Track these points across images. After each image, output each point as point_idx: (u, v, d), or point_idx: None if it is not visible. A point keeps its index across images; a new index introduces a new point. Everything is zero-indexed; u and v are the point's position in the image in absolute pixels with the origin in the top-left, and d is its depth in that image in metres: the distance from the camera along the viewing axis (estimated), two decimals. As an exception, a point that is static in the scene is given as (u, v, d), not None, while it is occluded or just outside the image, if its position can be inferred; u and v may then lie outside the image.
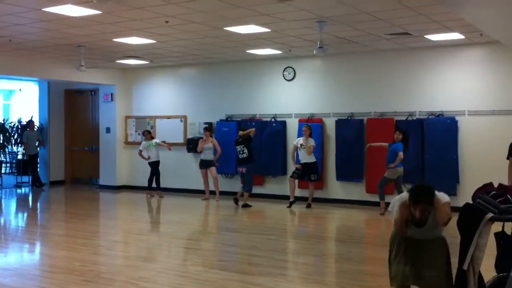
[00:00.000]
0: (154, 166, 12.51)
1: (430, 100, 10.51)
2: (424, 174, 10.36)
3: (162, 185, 12.63)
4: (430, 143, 10.34)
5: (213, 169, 11.85)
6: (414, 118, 10.59)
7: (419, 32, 9.04)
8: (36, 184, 14.58)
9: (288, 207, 10.75)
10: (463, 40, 9.64)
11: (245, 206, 10.85)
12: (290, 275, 6.34)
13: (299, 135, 11.30)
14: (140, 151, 12.53)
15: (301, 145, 10.73)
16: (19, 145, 15.42)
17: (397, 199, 4.07)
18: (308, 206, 10.79)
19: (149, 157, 12.48)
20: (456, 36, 9.28)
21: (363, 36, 9.37)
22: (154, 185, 12.55)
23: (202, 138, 12.07)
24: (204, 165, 11.90)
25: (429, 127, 10.36)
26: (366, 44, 10.12)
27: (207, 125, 12.47)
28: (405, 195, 3.99)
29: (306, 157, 10.68)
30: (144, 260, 6.84)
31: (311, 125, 10.99)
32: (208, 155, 11.83)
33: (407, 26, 8.54)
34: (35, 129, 14.77)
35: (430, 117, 10.45)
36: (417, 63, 10.63)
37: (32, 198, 13.52)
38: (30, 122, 14.77)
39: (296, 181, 10.99)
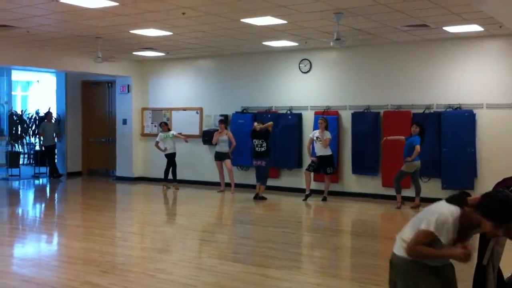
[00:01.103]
0: (171, 157, 12.56)
1: (447, 93, 10.40)
2: (441, 167, 10.27)
3: (178, 177, 12.67)
4: (448, 136, 10.23)
5: (228, 161, 11.85)
6: (432, 111, 10.49)
7: (437, 24, 8.93)
8: (54, 175, 14.72)
9: (303, 200, 10.73)
10: (482, 32, 9.51)
11: (261, 198, 10.85)
12: (305, 268, 6.34)
13: (315, 127, 11.26)
14: (157, 143, 12.58)
15: (317, 137, 10.67)
16: (37, 136, 15.55)
17: (448, 215, 3.02)
18: (324, 199, 10.76)
19: (165, 149, 12.53)
20: (474, 28, 9.16)
21: (380, 28, 9.28)
22: (170, 176, 12.60)
23: (217, 130, 12.08)
24: (219, 157, 11.91)
25: (447, 120, 10.25)
26: (383, 36, 10.03)
27: (222, 118, 12.47)
28: (454, 210, 3.04)
29: (322, 150, 10.63)
30: (160, 252, 6.89)
31: (327, 118, 10.94)
32: (223, 148, 11.83)
33: (425, 18, 8.44)
34: (52, 121, 14.89)
35: (447, 110, 10.34)
36: (435, 56, 10.51)
37: (50, 189, 13.66)
38: (48, 114, 14.89)
39: (312, 174, 10.96)
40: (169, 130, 12.72)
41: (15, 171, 14.66)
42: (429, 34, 9.80)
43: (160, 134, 12.64)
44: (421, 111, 10.56)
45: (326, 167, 10.68)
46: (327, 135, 10.60)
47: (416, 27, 9.15)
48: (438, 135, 10.31)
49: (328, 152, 10.65)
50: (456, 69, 10.35)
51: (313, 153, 10.85)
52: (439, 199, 10.09)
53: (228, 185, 11.96)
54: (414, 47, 10.65)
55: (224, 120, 12.25)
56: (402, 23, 8.84)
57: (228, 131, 12.02)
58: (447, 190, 10.27)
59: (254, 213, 10.02)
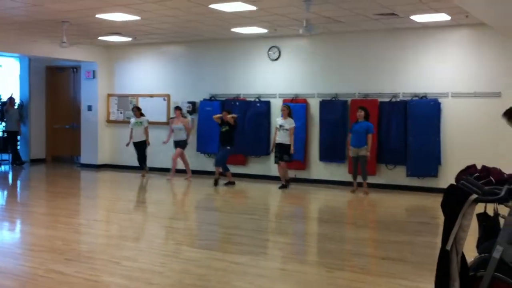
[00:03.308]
0: (137, 146, 12.36)
1: (414, 82, 10.54)
2: (407, 155, 10.43)
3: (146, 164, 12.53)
4: (413, 124, 10.38)
5: (178, 149, 11.68)
6: (398, 100, 10.62)
7: (406, 13, 9.01)
8: (16, 162, 14.40)
9: (280, 187, 10.71)
10: (449, 21, 9.64)
11: (230, 183, 10.93)
12: (272, 254, 6.36)
13: (283, 115, 11.27)
14: (131, 130, 12.32)
15: (280, 125, 10.60)
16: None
17: None
18: (282, 186, 10.72)
19: (131, 137, 12.29)
20: (442, 17, 9.27)
21: (349, 16, 9.32)
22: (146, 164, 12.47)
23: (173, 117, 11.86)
24: (176, 145, 11.76)
25: (413, 109, 10.40)
26: (352, 24, 10.07)
27: (178, 104, 12.29)
28: None
29: (282, 137, 10.54)
30: (126, 239, 6.81)
31: (290, 105, 10.92)
32: (179, 136, 11.70)
33: (394, 6, 8.51)
34: (15, 107, 14.54)
35: (413, 98, 10.48)
36: (402, 44, 10.63)
37: (12, 176, 13.35)
38: (11, 99, 14.54)
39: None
40: (141, 115, 12.43)
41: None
42: (397, 23, 9.89)
43: (132, 120, 12.38)
44: (387, 99, 10.68)
45: (283, 154, 10.56)
46: (292, 123, 10.53)
47: (384, 16, 9.22)
48: (404, 124, 10.45)
49: (288, 141, 10.52)
50: (423, 58, 10.48)
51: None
52: (404, 187, 10.33)
53: (199, 173, 11.90)
54: (382, 35, 10.74)
55: (180, 107, 12.05)
56: (371, 11, 8.89)
57: (184, 119, 11.86)
58: (411, 177, 10.46)
59: (221, 200, 10.01)
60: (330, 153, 11.25)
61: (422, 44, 10.46)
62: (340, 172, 11.21)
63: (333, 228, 7.58)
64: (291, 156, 10.67)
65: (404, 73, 10.63)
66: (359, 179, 10.21)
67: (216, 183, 10.99)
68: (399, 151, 10.45)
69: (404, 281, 5.07)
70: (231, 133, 10.97)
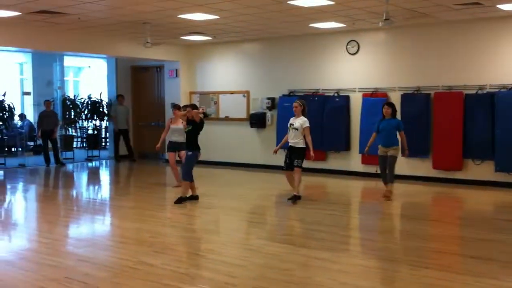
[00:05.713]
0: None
1: (501, 73, 10.06)
2: (495, 150, 9.99)
3: (227, 159, 12.52)
4: (502, 117, 9.92)
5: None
6: (485, 92, 10.19)
7: (491, 2, 8.64)
8: (132, 158, 15.03)
9: (289, 199, 8.89)
10: (539, 9, 9.15)
11: (181, 200, 8.82)
12: (354, 250, 6.32)
13: (363, 110, 11.13)
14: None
15: (290, 124, 8.80)
16: (89, 120, 15.91)
17: None
18: (293, 198, 8.81)
19: None
20: (531, 4, 8.82)
21: (430, 7, 9.05)
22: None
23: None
24: (174, 148, 10.26)
25: (501, 101, 9.94)
26: (434, 15, 9.77)
27: (174, 102, 11.08)
28: None
29: (292, 139, 8.74)
30: (210, 233, 7.00)
31: (370, 99, 10.67)
32: (178, 137, 10.09)
33: (478, -5, 8.19)
34: (123, 104, 15.12)
35: (501, 90, 10.02)
36: (488, 34, 10.18)
37: (102, 172, 14.03)
38: (119, 97, 15.19)
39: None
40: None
41: (69, 154, 15.12)
42: (482, 12, 9.48)
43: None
44: (473, 91, 10.28)
45: (294, 158, 8.72)
46: (305, 122, 8.62)
47: (468, 6, 8.88)
48: (492, 116, 10.01)
49: (300, 143, 8.68)
50: (510, 48, 9.99)
51: (285, 145, 9.17)
52: (492, 182, 9.94)
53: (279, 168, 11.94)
54: (466, 26, 10.33)
55: (178, 106, 10.41)
56: (454, 1, 8.59)
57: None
58: (501, 173, 10.01)
59: (302, 195, 10.01)
60: (413, 148, 10.87)
61: (509, 33, 9.97)
62: (424, 167, 10.90)
63: (417, 225, 7.41)
64: (302, 161, 8.71)
65: (491, 64, 10.18)
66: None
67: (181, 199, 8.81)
68: (487, 145, 10.02)
69: (495, 280, 4.88)
70: (195, 134, 8.68)
